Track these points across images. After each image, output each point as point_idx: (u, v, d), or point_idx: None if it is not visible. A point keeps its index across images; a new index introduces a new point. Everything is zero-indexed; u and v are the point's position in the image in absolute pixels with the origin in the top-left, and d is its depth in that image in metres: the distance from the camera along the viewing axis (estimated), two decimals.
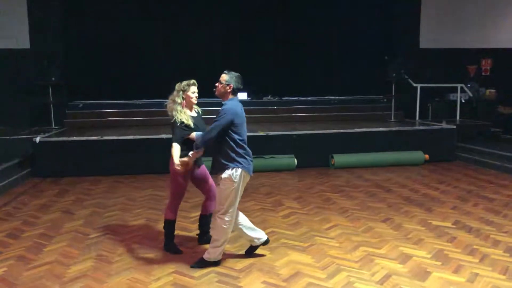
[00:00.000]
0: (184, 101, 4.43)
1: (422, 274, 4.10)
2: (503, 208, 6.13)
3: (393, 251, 4.65)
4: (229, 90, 4.17)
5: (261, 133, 8.76)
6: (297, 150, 8.74)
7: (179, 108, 4.36)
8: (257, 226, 5.38)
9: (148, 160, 8.38)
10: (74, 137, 8.50)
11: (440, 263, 4.35)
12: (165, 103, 4.50)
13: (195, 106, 4.57)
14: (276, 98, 11.83)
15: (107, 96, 11.14)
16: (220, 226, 4.15)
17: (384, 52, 11.41)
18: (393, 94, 11.02)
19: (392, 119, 11.05)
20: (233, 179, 4.07)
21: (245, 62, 11.48)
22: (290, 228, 5.37)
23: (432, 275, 4.08)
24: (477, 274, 4.09)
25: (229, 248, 4.70)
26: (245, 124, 4.21)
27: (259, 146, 8.45)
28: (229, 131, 4.06)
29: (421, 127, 9.86)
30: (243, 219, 4.43)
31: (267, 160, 8.40)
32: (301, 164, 8.63)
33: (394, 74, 10.79)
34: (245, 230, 4.40)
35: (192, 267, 4.25)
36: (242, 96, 12.25)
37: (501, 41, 12.33)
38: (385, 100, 11.72)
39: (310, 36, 12.11)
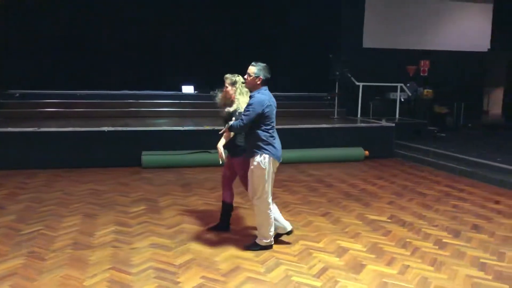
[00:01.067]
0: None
1: (357, 267, 4.24)
2: (434, 203, 6.45)
3: (331, 244, 4.78)
4: (258, 82, 4.40)
5: (207, 128, 8.71)
6: None
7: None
8: (200, 221, 5.39)
9: (89, 153, 8.11)
10: (9, 128, 8.07)
11: (374, 256, 4.51)
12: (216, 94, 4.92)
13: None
14: None
15: (47, 86, 10.68)
16: (259, 210, 4.44)
17: (329, 50, 11.66)
18: (336, 91, 11.29)
19: (335, 116, 11.34)
20: (262, 165, 4.32)
21: (192, 56, 11.36)
22: (232, 222, 5.36)
23: (366, 267, 4.22)
24: (408, 266, 4.27)
25: (169, 243, 4.66)
26: (274, 113, 4.41)
27: (204, 141, 8.42)
28: (257, 121, 4.28)
29: (362, 124, 10.17)
30: (275, 209, 4.66)
31: (212, 154, 8.36)
32: None
33: (337, 73, 11.07)
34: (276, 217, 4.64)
35: (245, 246, 4.57)
36: (189, 89, 12.10)
37: (438, 43, 12.97)
38: (329, 98, 11.98)
39: (256, 32, 12.18)
